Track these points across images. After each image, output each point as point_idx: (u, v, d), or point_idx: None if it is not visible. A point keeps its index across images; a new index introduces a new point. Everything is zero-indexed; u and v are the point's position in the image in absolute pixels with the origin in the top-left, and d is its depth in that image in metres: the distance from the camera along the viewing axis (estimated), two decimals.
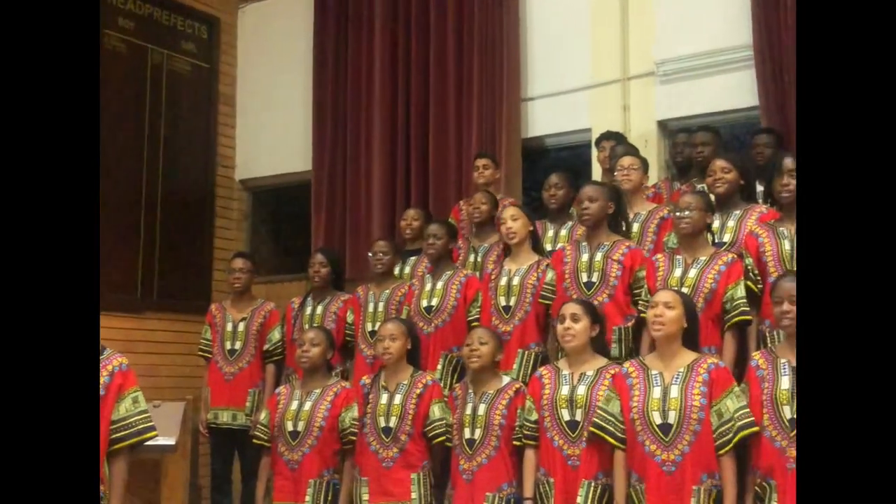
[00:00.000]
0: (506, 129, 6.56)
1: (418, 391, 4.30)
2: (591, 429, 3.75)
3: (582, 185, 4.74)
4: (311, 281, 5.58)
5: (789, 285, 3.55)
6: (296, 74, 7.84)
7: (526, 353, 4.55)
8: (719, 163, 4.56)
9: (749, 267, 4.16)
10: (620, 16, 6.41)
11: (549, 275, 4.57)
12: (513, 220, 4.73)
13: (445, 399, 4.36)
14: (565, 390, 3.90)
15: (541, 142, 6.82)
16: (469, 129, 6.76)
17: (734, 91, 5.89)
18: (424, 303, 4.93)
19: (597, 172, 5.93)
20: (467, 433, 4.12)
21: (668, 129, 6.27)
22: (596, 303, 4.23)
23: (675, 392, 3.61)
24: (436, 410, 4.27)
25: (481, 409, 4.12)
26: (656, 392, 3.64)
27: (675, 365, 3.67)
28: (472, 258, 5.35)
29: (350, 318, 5.31)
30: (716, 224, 4.45)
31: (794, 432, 3.40)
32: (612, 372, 3.86)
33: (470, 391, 4.19)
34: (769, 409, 3.51)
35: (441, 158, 6.86)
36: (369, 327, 5.15)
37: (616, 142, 5.59)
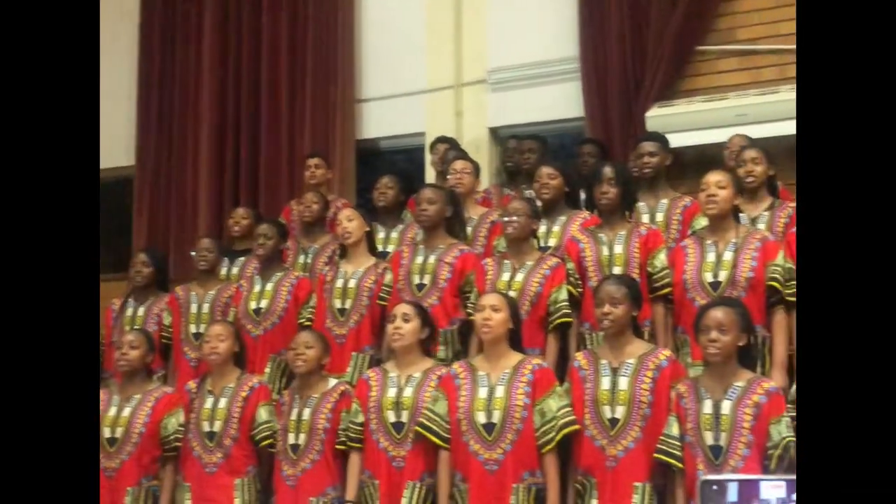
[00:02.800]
0: (339, 129, 6.53)
1: (244, 394, 4.18)
2: (416, 428, 3.76)
3: (416, 188, 4.76)
4: (131, 281, 5.33)
5: (610, 288, 3.69)
6: (121, 66, 7.48)
7: (360, 356, 4.52)
8: (545, 170, 4.69)
9: (570, 271, 4.30)
10: (454, 23, 6.51)
11: (388, 276, 4.56)
12: (349, 220, 4.69)
13: (273, 402, 4.26)
14: (392, 392, 3.89)
15: (375, 144, 6.81)
16: (302, 129, 6.68)
17: (562, 101, 6.10)
18: (253, 305, 4.80)
19: (430, 176, 5.99)
20: (291, 438, 4.04)
21: (498, 135, 6.42)
22: (426, 305, 4.26)
23: (500, 392, 3.67)
24: (262, 413, 4.17)
25: (306, 413, 4.05)
26: (482, 392, 3.69)
27: (501, 366, 3.73)
28: (301, 259, 5.27)
29: (167, 319, 5.11)
30: (542, 229, 4.58)
31: (614, 431, 3.54)
32: (440, 373, 3.89)
33: (295, 396, 4.12)
34: (590, 408, 3.62)
35: (273, 158, 6.74)
36: (193, 329, 4.97)
37: (449, 146, 5.66)
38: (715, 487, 1.05)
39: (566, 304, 4.19)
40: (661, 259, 4.18)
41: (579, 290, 4.27)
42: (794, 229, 4.10)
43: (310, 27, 6.74)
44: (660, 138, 4.90)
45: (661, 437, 3.47)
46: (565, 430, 3.60)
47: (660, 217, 4.63)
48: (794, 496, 1.06)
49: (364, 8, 6.81)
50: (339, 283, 4.64)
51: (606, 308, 3.65)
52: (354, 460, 3.94)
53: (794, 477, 1.07)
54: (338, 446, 4.00)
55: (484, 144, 6.36)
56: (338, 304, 4.61)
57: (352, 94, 6.62)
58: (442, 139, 5.83)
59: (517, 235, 4.32)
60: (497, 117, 6.36)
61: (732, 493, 1.06)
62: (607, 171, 4.35)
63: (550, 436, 3.61)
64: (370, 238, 4.79)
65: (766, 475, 3.19)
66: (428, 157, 6.06)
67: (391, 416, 3.86)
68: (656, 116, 5.57)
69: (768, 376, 3.73)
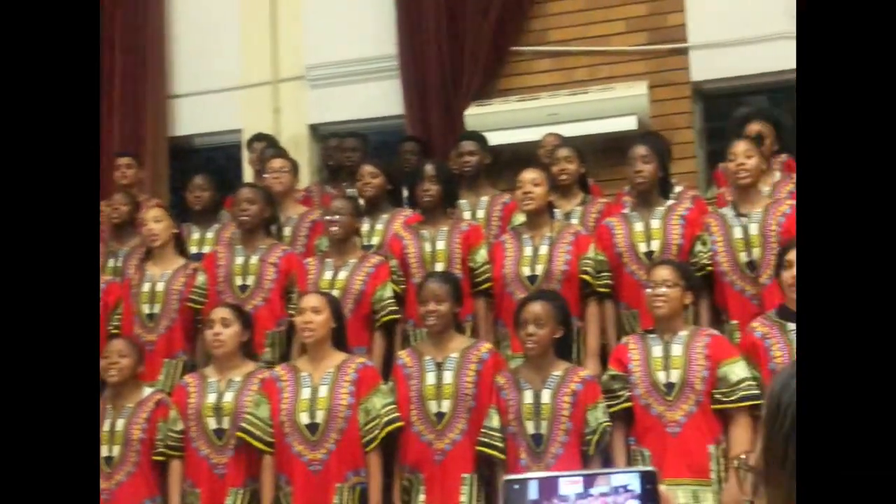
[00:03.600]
0: (150, 127, 6.25)
1: None
2: (239, 434, 3.66)
3: (233, 187, 4.61)
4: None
5: (433, 286, 3.72)
6: None
7: (173, 363, 4.34)
8: (367, 168, 4.68)
9: (394, 268, 4.31)
10: (270, 18, 6.37)
11: (201, 278, 4.39)
12: (155, 221, 4.48)
13: None
14: (212, 398, 3.77)
15: (190, 141, 6.57)
16: (111, 127, 6.33)
17: (382, 99, 6.10)
18: None
19: (249, 174, 5.83)
20: (105, 451, 3.83)
21: (319, 133, 6.33)
22: (250, 307, 4.14)
23: (323, 392, 3.63)
24: None
25: (119, 424, 3.85)
26: (305, 393, 3.64)
27: (325, 366, 3.69)
28: (111, 263, 5.00)
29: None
30: (365, 227, 4.56)
31: (441, 425, 3.57)
32: (262, 376, 3.80)
33: (108, 406, 3.90)
34: (416, 404, 3.65)
35: None
36: None
37: (266, 144, 5.54)
38: (516, 486, 1.05)
39: (391, 301, 4.20)
40: (482, 255, 4.26)
41: (403, 287, 4.28)
42: (606, 221, 4.28)
43: (117, 22, 6.40)
44: (479, 137, 4.99)
45: (483, 430, 3.54)
46: (389, 428, 3.61)
47: (481, 214, 4.72)
48: (592, 490, 1.09)
49: (175, 1, 6.54)
50: (147, 287, 4.43)
51: (431, 306, 3.68)
52: (176, 469, 3.79)
53: (596, 471, 1.10)
54: (155, 457, 3.83)
55: (303, 142, 6.26)
56: (146, 309, 4.40)
57: (163, 90, 6.35)
58: (259, 137, 5.69)
59: (340, 234, 4.28)
60: (316, 114, 6.28)
61: (533, 490, 1.07)
62: (428, 168, 4.39)
63: (374, 434, 3.61)
64: (179, 239, 4.60)
65: (580, 468, 3.35)
66: (245, 155, 5.90)
67: (212, 423, 3.73)
68: (474, 115, 5.67)
69: (583, 365, 3.88)
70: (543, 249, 4.11)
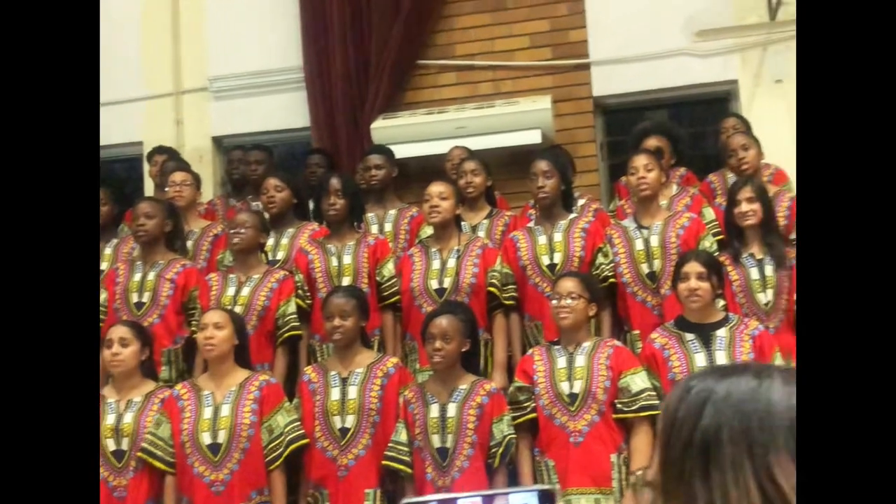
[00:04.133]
0: None
1: None
2: (139, 454, 3.56)
3: (133, 200, 4.49)
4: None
5: (339, 301, 3.69)
6: None
7: None
8: (272, 181, 4.62)
9: (299, 283, 4.26)
10: (172, 29, 6.25)
11: (101, 296, 4.26)
12: None
13: None
14: (111, 419, 3.65)
15: None
16: None
17: (288, 111, 6.04)
18: None
19: (150, 187, 5.70)
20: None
21: (223, 145, 6.23)
22: (146, 324, 4.04)
23: (225, 411, 3.56)
24: None
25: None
26: (207, 412, 3.56)
27: (227, 384, 3.62)
28: None
29: None
30: (270, 242, 4.50)
31: (345, 440, 3.54)
32: (162, 396, 3.70)
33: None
34: (321, 420, 3.61)
35: None
36: None
37: (168, 157, 5.41)
38: None
39: (294, 317, 4.14)
40: (389, 268, 4.25)
41: (308, 302, 4.24)
42: (511, 235, 4.32)
43: None
44: (386, 151, 4.98)
45: (390, 444, 3.53)
46: (293, 446, 3.57)
47: (388, 227, 4.71)
48: None
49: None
50: None
51: (336, 321, 3.66)
52: None
53: (494, 492, 1.10)
54: None
55: (207, 154, 6.15)
56: None
57: None
58: (159, 149, 5.56)
59: (244, 247, 4.21)
60: (220, 126, 6.18)
61: None
62: (334, 182, 4.36)
63: (278, 452, 3.56)
64: None
65: (485, 481, 3.37)
66: (146, 168, 5.76)
67: (110, 444, 3.62)
68: (381, 128, 5.66)
69: (490, 377, 3.91)
70: (451, 262, 4.13)
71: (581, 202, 4.74)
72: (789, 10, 5.46)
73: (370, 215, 4.67)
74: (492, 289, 4.09)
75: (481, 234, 4.52)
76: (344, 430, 3.59)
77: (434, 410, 3.49)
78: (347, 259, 4.28)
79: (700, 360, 3.47)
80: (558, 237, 4.17)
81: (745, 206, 3.95)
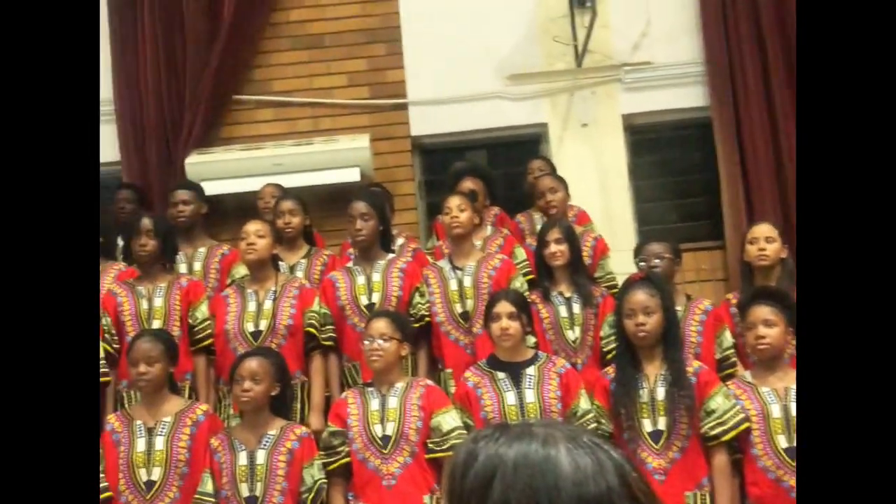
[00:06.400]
0: None
1: None
2: None
3: None
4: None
5: (145, 346, 3.57)
6: None
7: None
8: None
9: (106, 327, 4.08)
10: None
11: None
12: None
13: None
14: None
15: None
16: None
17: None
18: None
19: None
20: None
21: None
22: None
23: None
24: None
25: None
26: None
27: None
28: None
29: None
30: None
31: (150, 494, 3.42)
32: None
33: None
34: (125, 472, 3.49)
35: None
36: None
37: None
38: None
39: (102, 363, 3.96)
40: (203, 310, 4.15)
41: (116, 346, 4.07)
42: (330, 275, 4.31)
43: None
44: (194, 186, 4.87)
45: (196, 496, 3.43)
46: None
47: (197, 266, 4.60)
48: None
49: None
50: None
51: (142, 367, 3.53)
52: None
53: None
54: None
55: None
56: None
57: None
58: None
59: None
60: None
61: None
62: (146, 222, 4.22)
63: None
64: None
65: None
66: None
67: None
68: (196, 163, 5.53)
69: (307, 420, 3.88)
70: (268, 304, 4.07)
71: (400, 241, 4.80)
72: (595, 58, 5.77)
73: (179, 254, 4.54)
74: (310, 329, 4.06)
75: (299, 274, 4.49)
76: (150, 484, 3.45)
77: (242, 458, 3.42)
78: (158, 301, 4.14)
79: (511, 398, 3.57)
80: (377, 277, 4.20)
81: (553, 247, 4.11)
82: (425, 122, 5.86)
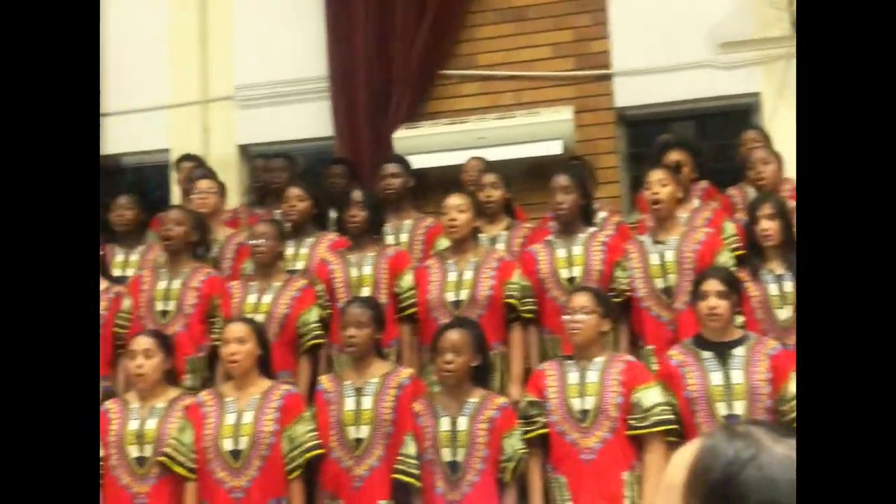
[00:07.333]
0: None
1: None
2: (161, 458, 3.62)
3: (160, 207, 4.56)
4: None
5: (355, 311, 3.74)
6: None
7: None
8: (294, 191, 4.68)
9: (320, 293, 4.31)
10: (200, 38, 6.35)
11: (126, 303, 4.34)
12: None
13: None
14: (134, 424, 3.72)
15: (117, 160, 6.49)
16: None
17: (312, 120, 6.10)
18: None
19: (177, 195, 5.79)
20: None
21: (248, 153, 6.31)
22: (170, 332, 4.11)
23: (247, 418, 3.62)
24: None
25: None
26: (229, 419, 3.62)
27: (250, 392, 3.68)
28: None
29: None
30: (290, 251, 4.55)
31: (359, 451, 3.59)
32: (186, 402, 3.77)
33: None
34: (335, 430, 3.65)
35: None
36: None
37: (194, 164, 5.50)
38: None
39: (317, 325, 4.19)
40: (407, 280, 4.28)
41: (329, 311, 4.29)
42: (530, 248, 4.35)
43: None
44: (402, 160, 5.03)
45: (399, 457, 3.56)
46: (309, 455, 3.61)
47: (403, 237, 4.75)
48: None
49: (104, 19, 6.46)
50: None
51: (352, 331, 3.70)
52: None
53: None
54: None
55: (233, 162, 6.23)
56: None
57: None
58: (187, 157, 5.65)
59: (265, 260, 4.27)
60: (246, 135, 6.26)
61: None
62: (356, 194, 4.41)
63: (297, 461, 3.60)
64: (102, 260, 4.53)
65: (496, 495, 3.40)
66: (174, 175, 5.86)
67: (133, 451, 3.69)
68: (403, 138, 5.71)
69: (507, 390, 3.94)
70: (468, 275, 4.16)
71: (602, 215, 4.74)
72: None
73: (385, 225, 4.72)
74: (511, 300, 4.10)
75: (500, 246, 4.54)
76: (358, 441, 3.63)
77: (444, 424, 3.52)
78: (367, 270, 4.33)
79: (716, 378, 3.46)
80: (577, 251, 4.19)
81: (764, 224, 3.94)
82: (630, 93, 5.75)
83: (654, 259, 4.08)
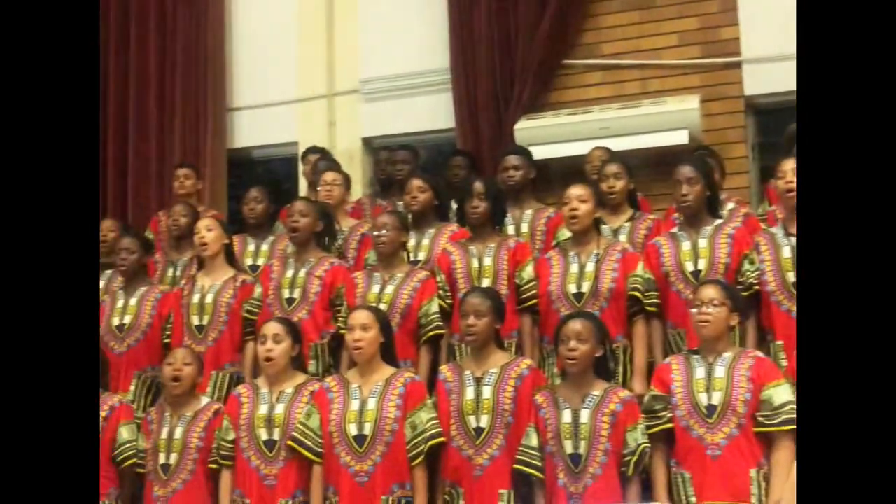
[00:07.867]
0: (210, 139, 6.42)
1: (104, 414, 4.06)
2: (289, 442, 3.74)
3: (288, 198, 4.70)
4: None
5: (475, 301, 3.76)
6: None
7: (220, 374, 4.43)
8: (416, 182, 4.73)
9: (440, 283, 4.36)
10: (326, 33, 6.51)
11: (258, 290, 4.50)
12: (207, 230, 4.60)
13: (136, 421, 4.16)
14: (264, 409, 3.86)
15: (248, 153, 6.72)
16: (172, 138, 6.53)
17: (434, 112, 6.17)
18: (116, 321, 4.66)
19: (304, 186, 5.96)
20: (162, 458, 3.94)
21: (372, 146, 6.43)
22: (295, 319, 4.24)
23: (371, 404, 3.70)
24: (123, 433, 4.06)
25: (178, 432, 3.97)
26: (354, 404, 3.71)
27: (374, 379, 3.76)
28: (170, 272, 5.15)
29: None
30: (412, 242, 4.62)
31: (480, 440, 3.61)
32: (313, 388, 3.88)
33: (166, 413, 4.03)
34: (456, 419, 3.69)
35: (141, 168, 6.57)
36: None
37: (320, 157, 5.64)
38: None
39: (437, 316, 4.23)
40: (528, 271, 4.27)
41: (449, 302, 4.32)
42: (654, 240, 4.27)
43: (178, 35, 6.61)
44: (523, 151, 5.02)
45: (521, 448, 3.57)
46: (432, 442, 3.65)
47: (524, 228, 4.74)
48: None
49: (234, 16, 6.72)
50: (196, 298, 4.53)
51: (471, 320, 3.73)
52: (226, 479, 3.88)
53: None
54: (210, 465, 3.94)
55: (357, 155, 6.37)
56: (195, 320, 4.50)
57: (222, 102, 6.53)
58: (313, 150, 5.80)
59: (388, 250, 4.34)
60: (370, 128, 6.39)
61: None
62: (478, 186, 4.43)
63: (419, 448, 3.66)
64: (229, 250, 4.71)
65: (618, 489, 3.37)
66: (301, 168, 6.03)
67: (263, 434, 3.82)
68: (525, 129, 5.69)
69: (630, 384, 3.89)
70: (590, 267, 4.12)
71: (729, 206, 4.62)
72: None
73: (506, 216, 4.71)
74: (634, 293, 4.05)
75: (622, 237, 4.48)
76: (479, 430, 3.65)
77: (566, 416, 3.51)
78: (488, 261, 4.34)
79: None
80: (703, 243, 4.09)
81: None
82: (760, 81, 5.56)
83: (786, 252, 3.93)
